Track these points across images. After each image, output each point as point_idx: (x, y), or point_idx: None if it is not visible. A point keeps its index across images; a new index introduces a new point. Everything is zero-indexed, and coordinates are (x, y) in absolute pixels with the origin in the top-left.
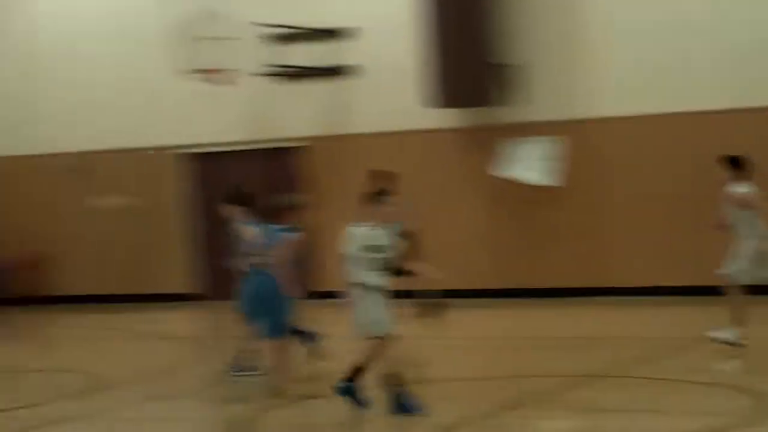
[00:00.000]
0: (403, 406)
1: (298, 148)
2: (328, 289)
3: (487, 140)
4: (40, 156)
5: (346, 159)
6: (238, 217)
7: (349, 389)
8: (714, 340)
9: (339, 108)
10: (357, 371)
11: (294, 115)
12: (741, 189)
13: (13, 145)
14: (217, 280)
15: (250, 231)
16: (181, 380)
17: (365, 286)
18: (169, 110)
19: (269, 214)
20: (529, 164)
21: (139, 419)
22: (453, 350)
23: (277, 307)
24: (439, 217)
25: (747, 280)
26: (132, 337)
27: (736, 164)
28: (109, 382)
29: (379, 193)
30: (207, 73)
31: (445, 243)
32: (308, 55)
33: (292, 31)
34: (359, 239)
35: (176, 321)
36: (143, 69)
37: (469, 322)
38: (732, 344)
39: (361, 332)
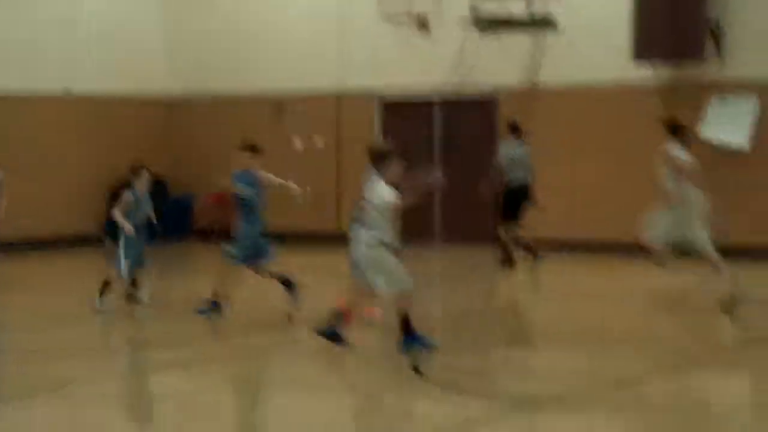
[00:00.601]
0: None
1: (494, 99)
2: None
3: (690, 98)
4: (244, 97)
5: (542, 112)
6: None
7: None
8: None
9: (538, 60)
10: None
11: (492, 67)
12: None
13: (226, 85)
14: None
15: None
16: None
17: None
18: (370, 55)
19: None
20: (732, 126)
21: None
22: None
23: None
24: (633, 173)
25: None
26: (333, 274)
27: None
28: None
29: None
30: (410, 18)
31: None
32: (511, 6)
33: None
34: None
35: None
36: (347, 13)
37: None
38: None
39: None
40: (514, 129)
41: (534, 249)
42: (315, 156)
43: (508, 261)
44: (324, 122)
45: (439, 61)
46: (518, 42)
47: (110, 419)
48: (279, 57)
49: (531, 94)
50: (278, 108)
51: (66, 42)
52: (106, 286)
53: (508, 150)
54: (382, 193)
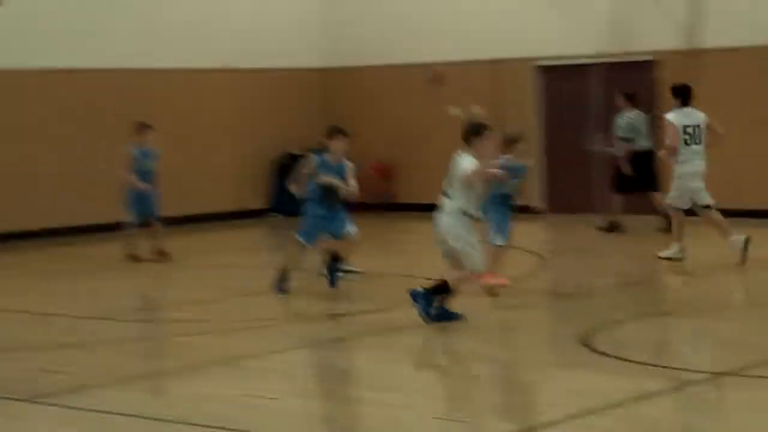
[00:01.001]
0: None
1: (652, 62)
2: None
3: None
4: (400, 66)
5: (702, 74)
6: None
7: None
8: None
9: (696, 22)
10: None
11: (650, 29)
12: None
13: (381, 54)
14: (558, 194)
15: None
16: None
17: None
18: (525, 20)
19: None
20: None
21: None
22: None
23: None
24: None
25: None
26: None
27: None
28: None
29: None
30: None
31: None
32: None
33: None
34: None
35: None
36: None
37: None
38: None
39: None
40: (630, 97)
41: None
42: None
43: (665, 228)
44: (480, 90)
45: (595, 25)
46: (676, 3)
47: (278, 393)
48: (433, 26)
49: (691, 57)
50: (435, 77)
51: (224, 18)
52: (285, 272)
53: (626, 118)
54: (463, 164)
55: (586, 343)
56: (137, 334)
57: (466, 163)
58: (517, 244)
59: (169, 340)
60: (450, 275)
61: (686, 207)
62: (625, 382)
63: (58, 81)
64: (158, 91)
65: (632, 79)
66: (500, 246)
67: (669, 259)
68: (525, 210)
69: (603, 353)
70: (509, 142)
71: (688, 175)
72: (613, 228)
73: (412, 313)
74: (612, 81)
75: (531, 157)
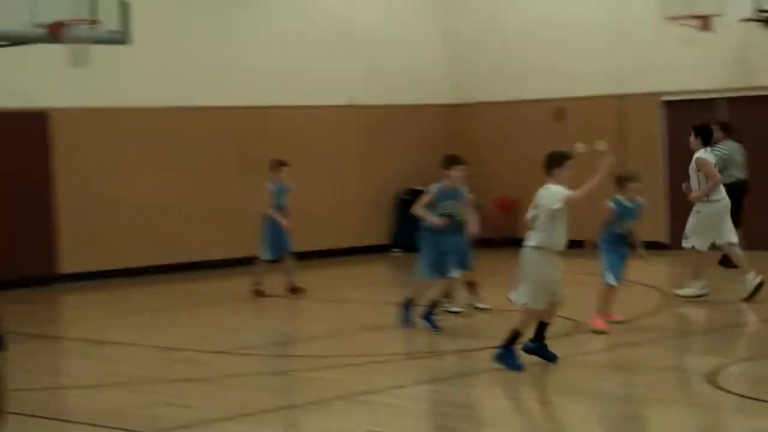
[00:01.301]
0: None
1: None
2: None
3: None
4: (523, 102)
5: None
6: None
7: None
8: None
9: None
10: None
11: None
12: None
13: (505, 90)
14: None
15: None
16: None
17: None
18: (649, 55)
19: None
20: None
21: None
22: None
23: None
24: None
25: None
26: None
27: None
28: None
29: None
30: (691, 19)
31: None
32: None
33: None
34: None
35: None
36: (624, 15)
37: None
38: None
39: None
40: (726, 128)
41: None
42: (598, 160)
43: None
44: (605, 124)
45: (720, 60)
46: None
47: (402, 428)
48: (556, 61)
49: None
50: (558, 112)
51: (349, 56)
52: (410, 301)
53: (721, 150)
54: (548, 195)
55: (713, 381)
56: (262, 369)
57: (559, 192)
58: (639, 280)
59: (293, 375)
60: (514, 321)
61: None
62: (757, 421)
63: (187, 118)
64: (284, 127)
65: (756, 114)
66: (612, 286)
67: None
68: (650, 246)
69: (731, 392)
70: (622, 182)
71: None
72: (727, 262)
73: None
74: (737, 115)
75: (642, 198)
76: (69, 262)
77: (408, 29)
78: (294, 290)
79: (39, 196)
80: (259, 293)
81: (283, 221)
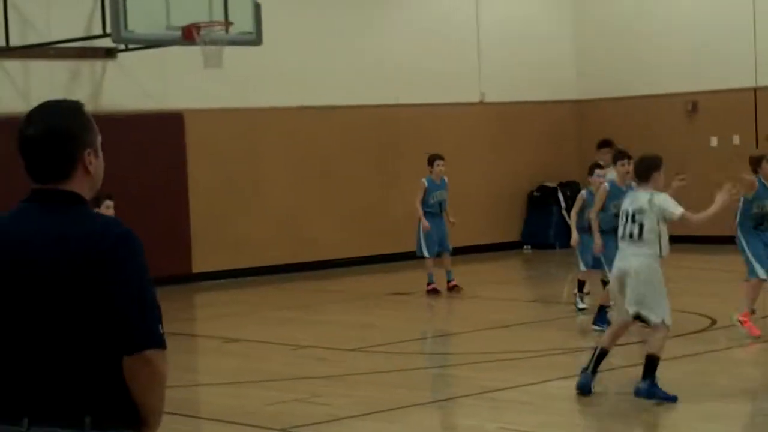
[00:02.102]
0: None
1: None
2: None
3: None
4: (656, 96)
5: None
6: None
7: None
8: None
9: None
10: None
11: None
12: None
13: (636, 85)
14: None
15: None
16: None
17: None
18: None
19: None
20: None
21: None
22: None
23: None
24: None
25: None
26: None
27: None
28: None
29: None
30: None
31: None
32: None
33: None
34: None
35: None
36: (760, 6)
37: None
38: None
39: None
40: None
41: None
42: (730, 154)
43: None
44: (740, 118)
45: None
46: None
47: (534, 425)
48: (690, 54)
49: None
50: (692, 106)
51: (472, 52)
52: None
53: None
54: (666, 201)
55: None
56: (395, 366)
57: (674, 202)
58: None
59: (426, 372)
60: (650, 346)
61: None
62: None
63: (319, 117)
64: (415, 125)
65: None
66: (763, 280)
67: None
68: None
69: None
70: (758, 161)
71: None
72: None
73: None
74: None
75: None
76: (203, 260)
77: (538, 26)
78: (452, 287)
79: (175, 196)
80: (433, 291)
81: (425, 222)
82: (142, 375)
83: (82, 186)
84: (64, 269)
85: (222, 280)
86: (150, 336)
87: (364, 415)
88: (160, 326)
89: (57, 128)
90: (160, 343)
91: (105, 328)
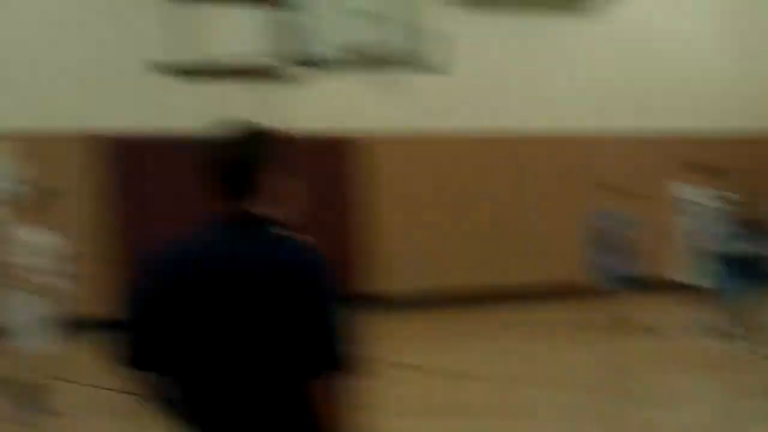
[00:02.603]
0: None
1: None
2: None
3: None
4: None
5: None
6: None
7: None
8: None
9: None
10: None
11: None
12: None
13: None
14: None
15: None
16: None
17: None
18: None
19: None
20: None
21: None
22: None
23: None
24: None
25: None
26: None
27: None
28: None
29: None
30: None
31: None
32: None
33: None
34: None
35: None
36: None
37: None
38: None
39: None
40: None
41: None
42: None
43: None
44: None
45: None
46: None
47: None
48: None
49: None
50: None
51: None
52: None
53: None
54: None
55: None
56: (576, 403)
57: None
58: None
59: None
60: None
61: None
62: None
63: (502, 144)
64: (606, 156)
65: None
66: None
67: None
68: None
69: None
70: None
71: None
72: None
73: None
74: None
75: None
76: (387, 283)
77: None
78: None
79: (358, 221)
80: (622, 322)
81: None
82: (330, 397)
83: (273, 207)
84: (254, 291)
85: (407, 305)
86: (341, 359)
87: None
88: (350, 349)
89: (258, 151)
90: (351, 366)
91: (295, 350)
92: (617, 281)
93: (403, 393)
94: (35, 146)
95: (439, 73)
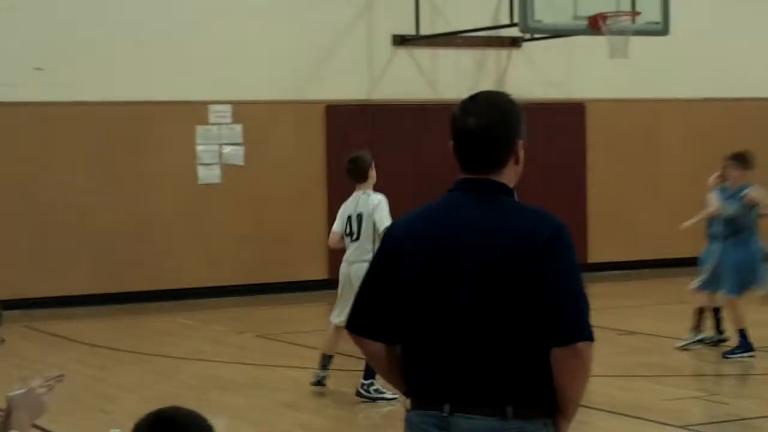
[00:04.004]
0: None
1: None
2: None
3: None
4: None
5: None
6: None
7: None
8: None
9: None
10: None
11: None
12: None
13: None
14: None
15: None
16: None
17: None
18: None
19: None
20: None
21: None
22: None
23: None
24: None
25: None
26: None
27: None
28: None
29: None
30: None
31: None
32: None
33: None
34: None
35: None
36: None
37: None
38: None
39: None
40: None
41: None
42: None
43: None
44: None
45: None
46: None
47: None
48: None
49: None
50: None
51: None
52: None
53: None
54: None
55: None
56: None
57: None
58: None
59: None
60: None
61: None
62: None
63: (725, 111)
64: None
65: None
66: None
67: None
68: None
69: None
70: None
71: None
72: None
73: None
74: None
75: None
76: (599, 250)
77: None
78: None
79: (574, 186)
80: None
81: None
82: (570, 366)
83: (510, 176)
84: (494, 259)
85: (617, 272)
86: (581, 328)
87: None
88: (589, 318)
89: (499, 120)
90: (590, 335)
91: (535, 319)
92: None
93: (616, 356)
94: None
95: (659, 35)
